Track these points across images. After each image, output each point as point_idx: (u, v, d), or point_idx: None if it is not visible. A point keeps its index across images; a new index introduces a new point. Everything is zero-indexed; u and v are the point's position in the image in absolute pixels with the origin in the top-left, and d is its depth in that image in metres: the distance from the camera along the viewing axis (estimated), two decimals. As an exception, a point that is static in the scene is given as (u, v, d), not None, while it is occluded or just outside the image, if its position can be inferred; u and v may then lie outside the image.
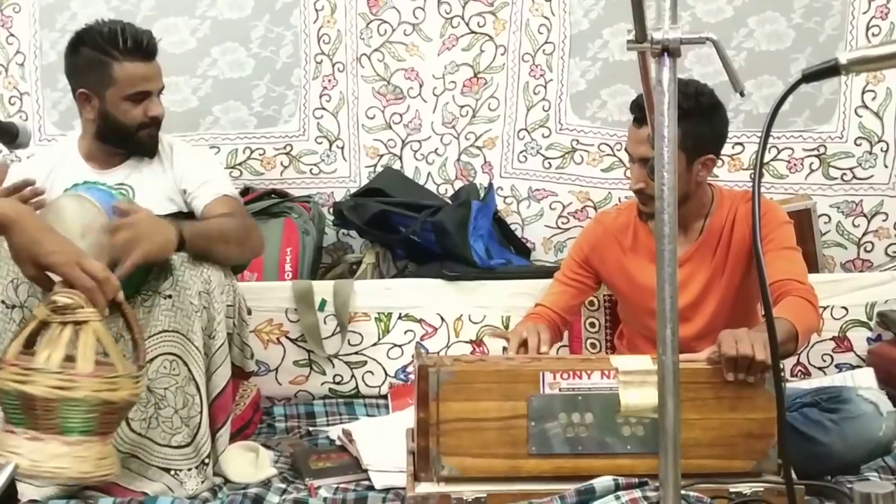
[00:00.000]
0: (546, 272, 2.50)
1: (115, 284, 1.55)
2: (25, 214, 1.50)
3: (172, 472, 1.90)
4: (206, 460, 1.93)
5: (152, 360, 1.90)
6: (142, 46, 2.12)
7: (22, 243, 1.48)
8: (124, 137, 2.17)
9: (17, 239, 1.48)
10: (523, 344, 1.99)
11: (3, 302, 1.95)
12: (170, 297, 1.93)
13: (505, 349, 2.04)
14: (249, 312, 2.37)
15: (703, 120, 2.03)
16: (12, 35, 2.81)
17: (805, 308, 1.90)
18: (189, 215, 2.20)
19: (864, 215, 2.73)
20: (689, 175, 2.05)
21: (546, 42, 2.80)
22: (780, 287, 1.92)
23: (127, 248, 1.81)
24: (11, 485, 1.51)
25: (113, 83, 2.11)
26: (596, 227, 2.30)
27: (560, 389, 1.68)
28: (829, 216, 2.72)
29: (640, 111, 2.07)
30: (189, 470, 1.91)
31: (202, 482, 1.91)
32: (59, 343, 1.44)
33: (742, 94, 1.32)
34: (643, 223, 2.19)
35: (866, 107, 2.71)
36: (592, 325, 2.57)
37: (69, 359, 1.46)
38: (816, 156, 2.73)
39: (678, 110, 1.98)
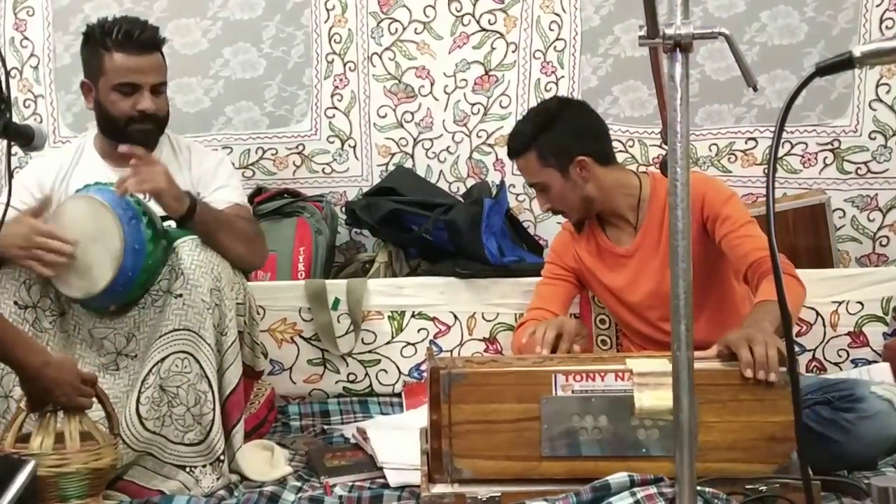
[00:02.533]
0: (559, 269, 2.50)
1: (96, 384, 1.81)
2: (58, 374, 1.73)
3: (188, 469, 1.91)
4: (222, 457, 1.94)
5: (164, 359, 1.91)
6: (131, 38, 2.12)
7: (37, 391, 1.73)
8: (115, 130, 2.17)
9: (33, 386, 1.73)
10: (558, 337, 1.97)
11: (15, 303, 1.97)
12: (180, 295, 1.94)
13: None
14: (260, 312, 2.38)
15: (548, 132, 2.13)
16: (26, 38, 2.83)
17: (789, 283, 1.88)
18: None
19: (880, 209, 2.71)
20: (573, 182, 2.12)
21: (557, 39, 2.80)
22: (758, 267, 1.93)
23: (152, 176, 1.96)
24: (32, 482, 1.57)
25: (103, 73, 2.14)
26: (563, 233, 2.34)
27: (573, 391, 1.67)
28: (843, 211, 2.70)
29: (507, 149, 2.21)
30: (204, 467, 1.92)
31: (218, 479, 1.92)
32: (47, 430, 1.72)
33: (755, 89, 1.31)
34: (599, 228, 2.22)
35: (881, 100, 2.69)
36: (602, 321, 2.56)
37: (59, 439, 1.73)
38: (830, 150, 2.72)
39: (525, 138, 2.13)
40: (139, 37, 2.12)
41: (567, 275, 2.28)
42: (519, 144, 2.17)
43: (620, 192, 2.16)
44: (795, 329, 1.73)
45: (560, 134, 2.13)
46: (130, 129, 2.15)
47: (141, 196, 2.16)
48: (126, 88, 2.13)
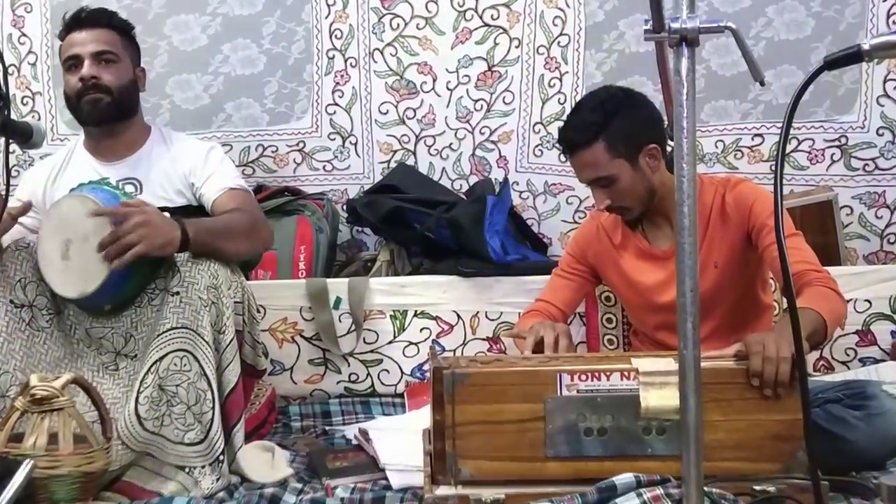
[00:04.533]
0: (563, 267, 2.48)
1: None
2: None
3: (187, 470, 1.89)
4: (221, 458, 1.92)
5: (162, 357, 1.89)
6: (70, 18, 2.20)
7: None
8: (74, 110, 2.23)
9: None
10: (539, 342, 1.96)
11: (11, 301, 1.96)
12: (177, 293, 1.92)
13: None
14: (260, 311, 2.36)
15: (618, 120, 2.01)
16: (24, 35, 2.82)
17: (830, 296, 1.85)
18: (200, 208, 2.19)
19: (887, 206, 2.69)
20: (641, 173, 2.03)
21: (561, 34, 2.78)
22: (799, 278, 1.88)
23: (131, 239, 1.85)
24: (30, 483, 1.57)
25: (61, 60, 2.22)
26: (590, 223, 2.28)
27: (578, 391, 1.65)
28: (851, 208, 2.69)
29: (564, 142, 2.07)
30: (204, 467, 1.89)
31: (217, 480, 1.90)
32: (41, 430, 1.69)
33: (762, 84, 1.29)
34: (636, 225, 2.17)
35: (888, 96, 2.67)
36: (609, 320, 2.54)
37: (51, 440, 1.69)
38: (838, 146, 2.70)
39: (594, 127, 2.00)
40: (77, 15, 2.19)
41: (584, 270, 2.24)
42: (585, 135, 2.00)
43: (673, 189, 2.10)
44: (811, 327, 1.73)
45: (630, 121, 2.01)
46: (81, 103, 2.19)
47: (138, 187, 2.15)
48: (70, 62, 2.19)
